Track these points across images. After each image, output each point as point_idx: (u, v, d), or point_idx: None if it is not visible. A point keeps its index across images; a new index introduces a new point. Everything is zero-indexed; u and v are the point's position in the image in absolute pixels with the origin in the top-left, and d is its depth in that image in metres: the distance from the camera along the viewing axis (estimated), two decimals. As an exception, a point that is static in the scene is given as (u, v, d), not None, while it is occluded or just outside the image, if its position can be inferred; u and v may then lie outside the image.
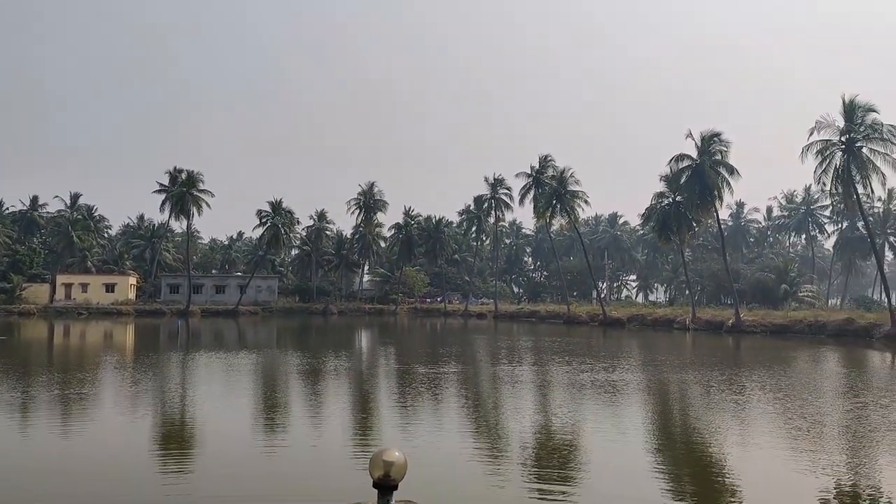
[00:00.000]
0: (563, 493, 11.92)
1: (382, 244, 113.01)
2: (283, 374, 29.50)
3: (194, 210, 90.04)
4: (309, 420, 18.88)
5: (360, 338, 57.86)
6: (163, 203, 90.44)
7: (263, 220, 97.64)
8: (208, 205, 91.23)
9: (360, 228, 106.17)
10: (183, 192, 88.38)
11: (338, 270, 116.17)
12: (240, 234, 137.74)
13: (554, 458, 14.68)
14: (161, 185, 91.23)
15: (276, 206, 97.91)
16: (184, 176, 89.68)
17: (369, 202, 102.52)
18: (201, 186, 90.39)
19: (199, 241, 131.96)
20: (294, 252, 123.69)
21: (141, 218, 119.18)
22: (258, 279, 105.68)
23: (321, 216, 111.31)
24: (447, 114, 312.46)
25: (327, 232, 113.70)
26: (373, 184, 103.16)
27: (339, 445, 15.56)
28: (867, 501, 11.84)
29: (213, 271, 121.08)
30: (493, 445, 15.78)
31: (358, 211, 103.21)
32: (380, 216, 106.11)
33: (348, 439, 16.24)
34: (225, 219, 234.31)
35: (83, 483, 12.24)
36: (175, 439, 16.46)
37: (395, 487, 3.56)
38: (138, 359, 35.76)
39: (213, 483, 12.47)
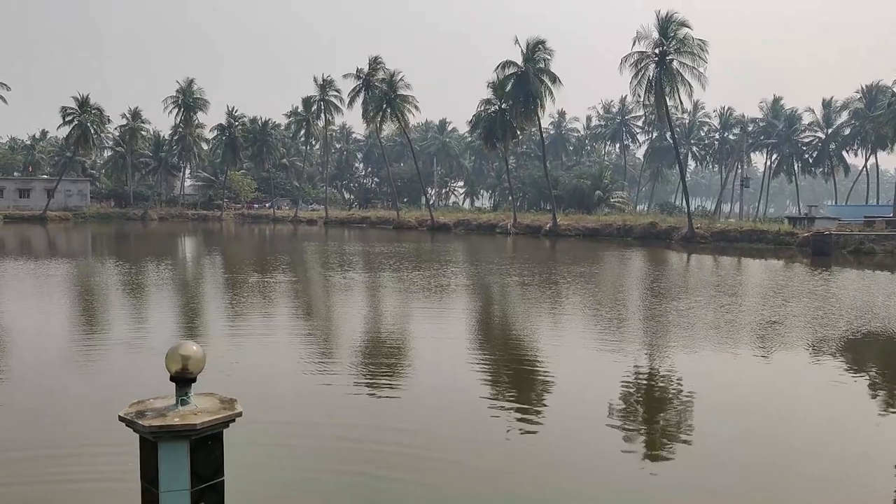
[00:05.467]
0: (390, 386, 12.24)
1: (205, 146, 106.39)
2: (101, 284, 27.33)
3: (-14, 105, 79.61)
4: (130, 327, 17.73)
5: (183, 245, 54.91)
6: (-51, 97, 78.73)
7: (69, 119, 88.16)
8: (4, 100, 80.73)
9: (180, 129, 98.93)
10: (-29, 85, 77.42)
11: (156, 174, 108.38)
12: (44, 133, 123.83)
13: (381, 358, 14.97)
14: (-61, 74, 78.91)
15: (83, 103, 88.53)
16: (-30, 66, 78.26)
17: (188, 100, 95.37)
18: (-7, 79, 79.49)
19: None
20: (107, 154, 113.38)
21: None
22: (67, 182, 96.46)
23: (135, 115, 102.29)
24: (274, 9, 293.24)
25: (143, 132, 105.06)
26: (192, 80, 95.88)
27: (160, 351, 14.79)
28: (662, 381, 13.30)
29: (15, 174, 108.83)
30: (322, 348, 15.78)
31: (176, 110, 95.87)
32: (201, 116, 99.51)
33: (170, 345, 15.42)
34: (26, 116, 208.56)
35: None
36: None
37: (194, 380, 3.39)
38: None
39: (33, 391, 11.45)
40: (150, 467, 3.22)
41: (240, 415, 3.30)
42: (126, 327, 17.85)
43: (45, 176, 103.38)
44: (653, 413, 11.16)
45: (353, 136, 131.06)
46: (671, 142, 75.40)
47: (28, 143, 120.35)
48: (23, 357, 14.40)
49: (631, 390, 12.29)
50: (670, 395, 12.27)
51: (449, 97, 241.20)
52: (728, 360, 14.91)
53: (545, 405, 11.51)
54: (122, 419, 3.28)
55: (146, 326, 18.12)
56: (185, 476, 3.20)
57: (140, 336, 16.55)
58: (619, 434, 9.90)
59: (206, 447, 3.26)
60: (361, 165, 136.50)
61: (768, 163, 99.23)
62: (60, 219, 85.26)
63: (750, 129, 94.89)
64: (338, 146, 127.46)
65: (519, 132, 73.41)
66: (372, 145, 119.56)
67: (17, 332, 16.96)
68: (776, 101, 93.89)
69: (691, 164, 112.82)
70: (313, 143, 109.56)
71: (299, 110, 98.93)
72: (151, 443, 3.23)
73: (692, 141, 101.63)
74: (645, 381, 13.12)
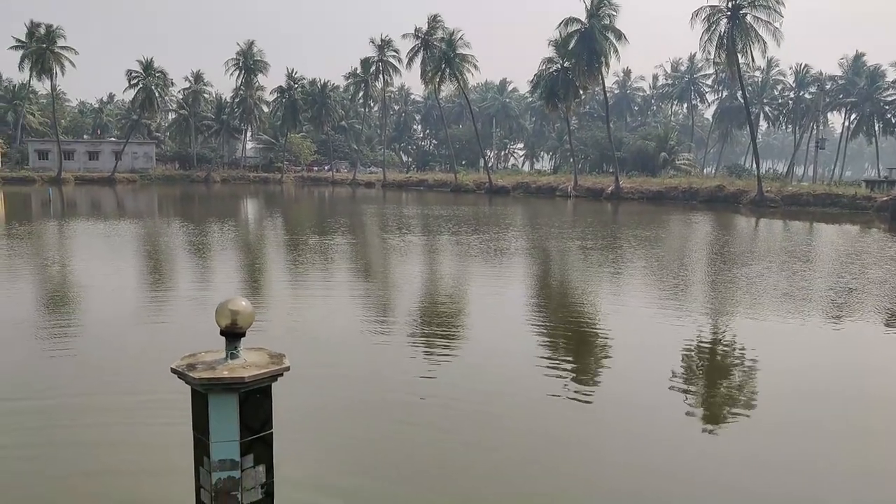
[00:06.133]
0: (445, 345, 12.08)
1: (265, 109, 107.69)
2: (168, 244, 28.07)
3: (57, 69, 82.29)
4: (194, 284, 18.11)
5: (245, 207, 55.97)
6: (21, 61, 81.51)
7: (134, 81, 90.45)
8: (72, 63, 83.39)
9: (241, 91, 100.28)
10: (43, 48, 79.89)
11: (219, 136, 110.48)
12: (111, 96, 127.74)
13: (438, 318, 14.83)
14: (18, 40, 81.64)
15: (147, 66, 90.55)
16: (42, 31, 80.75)
17: (249, 63, 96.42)
18: (63, 43, 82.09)
19: (67, 103, 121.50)
20: (171, 116, 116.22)
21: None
22: (134, 145, 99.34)
23: (198, 77, 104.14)
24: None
25: (205, 95, 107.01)
26: (252, 42, 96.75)
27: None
28: (727, 350, 12.76)
29: (85, 136, 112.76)
30: (379, 308, 15.73)
31: (237, 72, 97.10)
32: (261, 79, 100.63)
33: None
34: (93, 80, 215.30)
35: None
36: (57, 306, 15.35)
37: (243, 335, 3.49)
38: (17, 227, 32.73)
39: (102, 341, 11.82)
40: (201, 418, 3.28)
41: (287, 369, 3.33)
42: (190, 284, 18.26)
43: (113, 139, 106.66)
44: (714, 384, 10.64)
45: (412, 97, 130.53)
46: (742, 101, 72.32)
47: (96, 106, 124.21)
48: (94, 310, 14.86)
49: (693, 359, 11.80)
50: (734, 365, 11.73)
51: (509, 56, 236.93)
52: (802, 330, 14.19)
53: (602, 370, 11.17)
54: (174, 371, 3.36)
55: (209, 283, 18.47)
56: (234, 427, 3.26)
57: (203, 292, 16.85)
58: (676, 404, 9.47)
59: (254, 400, 3.30)
60: (419, 127, 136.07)
61: (846, 123, 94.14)
62: (128, 180, 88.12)
63: (828, 87, 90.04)
64: (396, 108, 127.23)
65: (582, 92, 71.53)
66: (430, 107, 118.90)
67: (91, 288, 17.54)
68: (857, 57, 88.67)
69: (763, 124, 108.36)
70: (371, 104, 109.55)
71: (358, 71, 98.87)
72: (202, 395, 3.28)
73: (765, 100, 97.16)
74: (708, 350, 12.59)
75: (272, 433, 3.33)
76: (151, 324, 13.60)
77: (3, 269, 20.49)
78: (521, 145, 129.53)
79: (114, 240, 28.55)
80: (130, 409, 8.71)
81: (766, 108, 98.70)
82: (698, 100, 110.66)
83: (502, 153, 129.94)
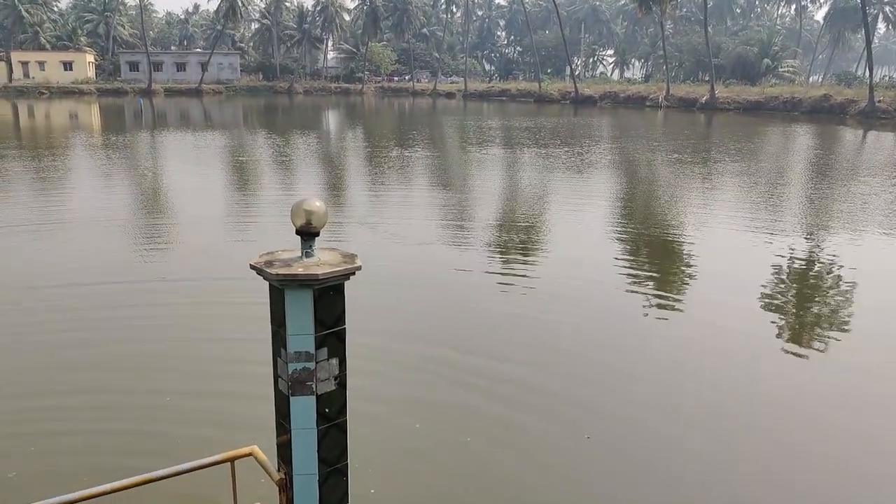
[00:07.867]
0: (523, 257, 11.91)
1: (346, 17, 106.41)
2: (254, 154, 28.71)
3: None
4: (278, 190, 18.53)
5: (328, 119, 56.37)
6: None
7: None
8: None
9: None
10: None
11: (300, 46, 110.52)
12: (196, 6, 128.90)
13: (522, 224, 14.61)
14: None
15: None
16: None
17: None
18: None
19: (154, 14, 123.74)
20: (254, 27, 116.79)
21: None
22: (219, 56, 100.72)
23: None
24: None
25: (287, 4, 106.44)
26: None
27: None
28: (819, 266, 12.03)
29: (172, 47, 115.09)
30: (458, 225, 15.63)
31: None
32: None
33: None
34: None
35: (63, 268, 11.52)
36: (150, 207, 16.08)
37: (317, 234, 3.52)
38: (113, 138, 34.25)
39: (198, 236, 12.41)
40: (278, 312, 3.49)
41: (359, 268, 3.41)
42: (274, 190, 18.65)
43: (199, 50, 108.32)
44: (805, 304, 10.07)
45: (496, 1, 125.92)
46: (858, 1, 66.00)
47: (182, 17, 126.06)
48: (185, 212, 15.47)
49: (785, 280, 11.19)
50: (835, 284, 11.05)
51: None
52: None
53: (687, 286, 10.76)
54: (252, 267, 3.54)
55: (292, 190, 18.82)
56: (309, 321, 3.45)
57: (286, 197, 17.18)
58: (762, 326, 8.99)
59: (328, 297, 3.45)
60: (503, 34, 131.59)
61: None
62: (214, 91, 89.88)
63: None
64: (479, 13, 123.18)
65: (677, -7, 66.94)
66: (515, 11, 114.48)
67: (182, 192, 18.23)
68: None
69: (881, 27, 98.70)
70: (454, 10, 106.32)
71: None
72: (279, 290, 3.47)
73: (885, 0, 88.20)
74: (803, 270, 11.89)
75: (345, 329, 3.47)
76: (237, 224, 14.05)
77: (103, 175, 21.50)
78: (610, 52, 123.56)
79: (204, 150, 29.39)
80: (216, 293, 9.35)
81: (887, 9, 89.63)
82: (808, 0, 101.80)
83: (590, 61, 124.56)
